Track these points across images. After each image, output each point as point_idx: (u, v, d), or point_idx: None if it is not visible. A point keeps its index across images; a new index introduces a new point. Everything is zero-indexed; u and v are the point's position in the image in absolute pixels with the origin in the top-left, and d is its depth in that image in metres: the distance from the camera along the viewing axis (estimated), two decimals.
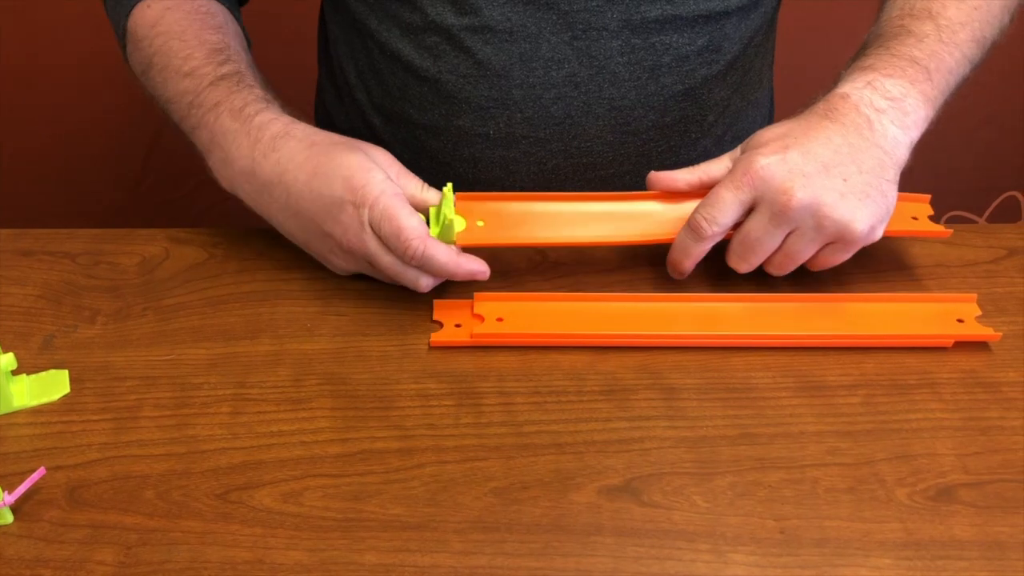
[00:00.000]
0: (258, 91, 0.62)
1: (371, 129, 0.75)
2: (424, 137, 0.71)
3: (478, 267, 0.57)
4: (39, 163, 1.35)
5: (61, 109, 1.32)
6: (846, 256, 0.57)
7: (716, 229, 0.57)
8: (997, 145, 1.40)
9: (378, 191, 0.55)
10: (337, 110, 0.79)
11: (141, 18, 0.67)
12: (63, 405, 0.52)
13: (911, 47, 0.61)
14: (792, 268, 0.58)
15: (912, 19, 0.63)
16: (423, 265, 0.55)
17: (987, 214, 1.45)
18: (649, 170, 0.70)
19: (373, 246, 0.56)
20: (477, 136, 0.69)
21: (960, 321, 0.56)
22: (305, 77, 0.92)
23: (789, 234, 0.56)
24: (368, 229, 0.55)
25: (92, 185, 1.37)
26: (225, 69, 0.63)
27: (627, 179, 0.71)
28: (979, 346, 0.56)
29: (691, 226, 0.57)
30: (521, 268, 0.62)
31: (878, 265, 0.62)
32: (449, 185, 0.57)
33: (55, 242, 0.65)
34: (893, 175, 0.57)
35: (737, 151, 0.60)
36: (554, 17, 0.65)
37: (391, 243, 0.55)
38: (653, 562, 0.44)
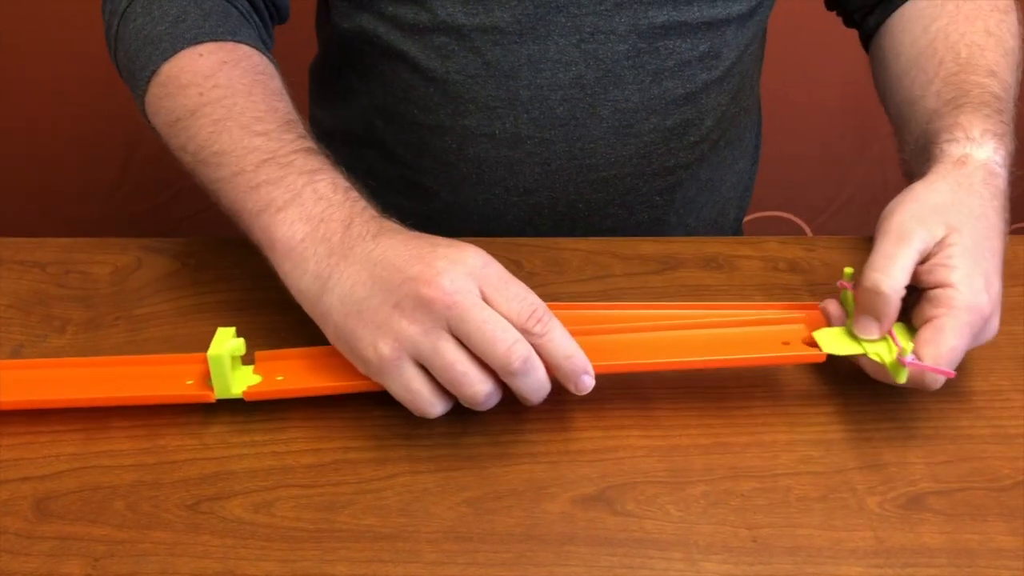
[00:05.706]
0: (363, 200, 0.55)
1: (371, 132, 0.75)
2: (428, 137, 0.72)
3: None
4: (12, 172, 1.34)
5: (35, 117, 1.31)
6: None
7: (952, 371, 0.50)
8: None
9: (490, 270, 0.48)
10: (335, 113, 0.79)
11: (191, 65, 0.59)
12: (30, 415, 0.51)
13: (993, 103, 0.59)
14: None
15: (973, 74, 0.61)
16: (540, 348, 0.47)
17: None
18: (649, 172, 0.71)
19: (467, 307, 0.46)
20: (483, 136, 0.70)
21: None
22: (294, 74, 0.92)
23: None
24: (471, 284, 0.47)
25: (67, 195, 1.36)
26: (312, 144, 0.56)
27: (628, 181, 0.72)
28: None
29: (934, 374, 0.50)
30: None
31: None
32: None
33: (24, 251, 0.64)
34: None
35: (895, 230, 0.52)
36: (563, 20, 0.66)
37: (483, 329, 0.46)
38: (626, 571, 0.44)
